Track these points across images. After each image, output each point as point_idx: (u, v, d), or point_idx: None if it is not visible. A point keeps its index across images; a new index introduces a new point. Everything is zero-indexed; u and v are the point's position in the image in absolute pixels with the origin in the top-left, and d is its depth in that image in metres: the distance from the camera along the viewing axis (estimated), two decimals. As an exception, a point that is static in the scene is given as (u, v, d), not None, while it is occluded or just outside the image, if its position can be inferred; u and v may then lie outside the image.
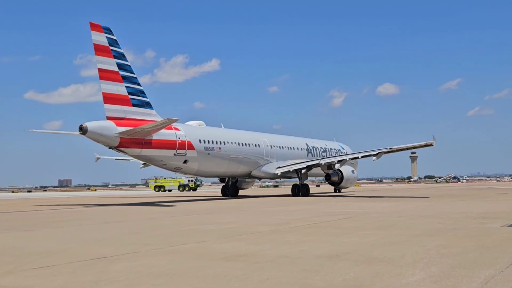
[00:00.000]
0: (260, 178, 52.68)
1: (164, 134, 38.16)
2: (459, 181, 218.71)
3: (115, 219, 20.48)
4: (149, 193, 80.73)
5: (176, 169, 41.79)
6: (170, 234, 13.85)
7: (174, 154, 39.22)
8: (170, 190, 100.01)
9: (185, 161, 40.46)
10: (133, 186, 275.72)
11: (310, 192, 50.42)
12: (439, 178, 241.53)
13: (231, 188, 51.86)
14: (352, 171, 52.22)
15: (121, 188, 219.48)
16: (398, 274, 7.26)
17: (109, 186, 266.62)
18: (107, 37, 36.24)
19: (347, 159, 48.42)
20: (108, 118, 35.60)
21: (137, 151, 36.98)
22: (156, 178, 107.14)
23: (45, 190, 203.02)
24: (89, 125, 34.17)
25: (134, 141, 36.17)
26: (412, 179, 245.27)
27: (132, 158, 41.78)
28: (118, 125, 35.25)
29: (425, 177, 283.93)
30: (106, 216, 22.66)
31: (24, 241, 12.95)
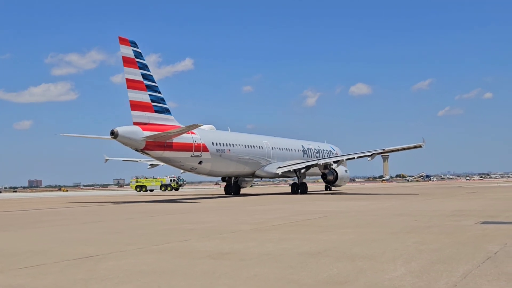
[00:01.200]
0: (262, 178, 56.07)
1: (182, 138, 42.24)
2: (430, 180, 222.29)
3: (93, 219, 20.43)
4: (130, 193, 79.83)
5: (192, 169, 45.73)
6: (151, 233, 13.95)
7: (191, 156, 43.32)
8: (151, 190, 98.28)
9: (200, 162, 44.56)
10: (105, 186, 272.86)
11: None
12: (410, 177, 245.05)
13: (234, 187, 54.92)
14: (346, 171, 56.11)
15: (93, 189, 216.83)
16: (380, 270, 7.53)
17: (81, 187, 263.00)
18: (133, 50, 40.58)
19: (344, 160, 53.10)
20: (135, 123, 39.67)
21: (159, 153, 40.97)
22: (137, 178, 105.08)
23: (15, 191, 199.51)
24: (120, 130, 38.19)
25: (157, 144, 40.24)
26: (384, 178, 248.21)
27: (155, 159, 44.93)
28: (144, 129, 39.39)
29: (397, 176, 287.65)
30: (83, 217, 22.57)
31: (5, 241, 12.91)
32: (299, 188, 51.87)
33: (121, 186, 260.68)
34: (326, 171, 53.96)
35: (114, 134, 38.19)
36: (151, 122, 40.62)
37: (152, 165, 57.93)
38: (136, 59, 40.63)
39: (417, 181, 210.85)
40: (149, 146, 39.67)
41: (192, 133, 43.38)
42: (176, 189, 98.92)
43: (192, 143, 43.26)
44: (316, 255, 9.09)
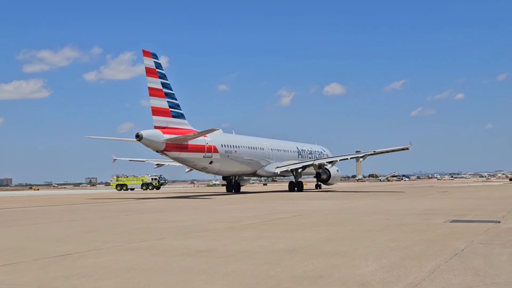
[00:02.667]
0: (262, 176, 61.34)
1: (196, 140, 47.00)
2: (402, 179, 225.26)
3: (67, 218, 20.38)
4: (111, 192, 78.96)
5: (203, 169, 50.73)
6: (128, 232, 14.05)
7: (203, 156, 48.17)
8: (132, 189, 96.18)
9: (211, 162, 49.35)
10: (77, 185, 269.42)
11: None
12: (383, 176, 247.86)
13: (235, 185, 59.29)
14: (337, 170, 60.77)
15: (65, 187, 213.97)
16: (353, 266, 7.82)
17: (53, 185, 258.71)
18: (154, 61, 45.24)
19: (338, 160, 57.29)
20: (156, 127, 44.29)
21: (176, 154, 45.77)
22: (118, 176, 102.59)
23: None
24: (144, 133, 42.87)
25: (176, 146, 45.06)
26: (357, 178, 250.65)
27: (172, 159, 48.93)
28: (164, 133, 44.17)
29: (369, 175, 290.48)
30: (57, 215, 22.49)
31: (-20, 240, 12.86)
32: (296, 186, 56.38)
33: (93, 185, 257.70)
34: (320, 170, 58.63)
35: (139, 137, 42.74)
36: (169, 126, 45.29)
37: (158, 165, 62.63)
38: (157, 70, 45.35)
39: (388, 180, 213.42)
40: (168, 148, 44.45)
41: (204, 136, 47.64)
42: (158, 188, 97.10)
43: (205, 145, 48.00)
44: (291, 252, 9.35)
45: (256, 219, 17.59)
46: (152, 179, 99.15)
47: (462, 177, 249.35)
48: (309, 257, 8.70)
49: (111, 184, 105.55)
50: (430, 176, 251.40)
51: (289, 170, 57.27)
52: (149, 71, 44.78)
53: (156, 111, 44.69)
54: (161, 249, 10.07)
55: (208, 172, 53.09)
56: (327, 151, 73.38)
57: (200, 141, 47.49)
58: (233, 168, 53.41)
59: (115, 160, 64.66)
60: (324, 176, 58.82)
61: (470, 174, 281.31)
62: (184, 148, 45.89)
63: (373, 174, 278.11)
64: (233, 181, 59.19)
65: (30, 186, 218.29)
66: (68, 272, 7.65)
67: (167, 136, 44.05)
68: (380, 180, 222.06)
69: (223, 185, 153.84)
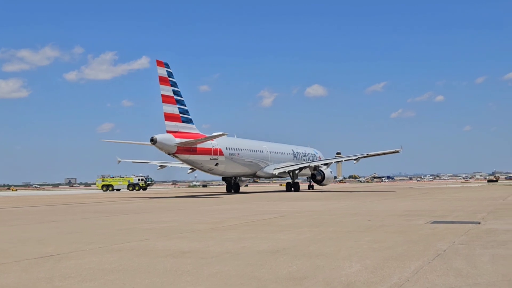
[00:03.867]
0: (261, 177, 64.89)
1: (204, 143, 50.75)
2: (383, 180, 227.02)
3: (48, 219, 20.16)
4: (96, 193, 78.13)
5: (209, 170, 54.33)
6: (110, 233, 13.95)
7: (210, 159, 52.02)
8: (118, 190, 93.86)
9: (217, 164, 53.08)
10: (55, 186, 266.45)
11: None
12: (363, 178, 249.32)
13: (234, 186, 62.51)
14: (331, 172, 64.98)
15: (44, 188, 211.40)
16: (337, 267, 7.85)
17: (35, 186, 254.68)
18: (166, 70, 49.21)
19: (333, 162, 63.33)
20: (168, 131, 48.07)
21: (186, 156, 49.48)
22: (103, 177, 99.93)
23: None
24: (158, 137, 46.53)
25: (186, 149, 48.69)
26: (338, 179, 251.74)
27: (181, 161, 52.39)
28: (175, 137, 47.92)
29: (349, 177, 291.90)
30: (38, 216, 22.23)
31: (-41, 241, 12.65)
32: (292, 187, 60.88)
33: (72, 186, 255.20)
34: (315, 172, 62.49)
35: (153, 141, 46.32)
36: (179, 131, 49.19)
37: (161, 166, 66.53)
38: (169, 78, 49.33)
39: (368, 181, 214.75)
40: (179, 151, 48.07)
41: (211, 139, 51.00)
42: (144, 189, 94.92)
43: (211, 148, 51.86)
44: (275, 253, 9.36)
45: (239, 220, 17.58)
46: (138, 179, 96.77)
47: (441, 179, 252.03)
48: (293, 258, 8.72)
49: (96, 185, 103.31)
50: (410, 177, 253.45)
51: (286, 171, 61.32)
52: (162, 80, 48.69)
53: (168, 117, 48.54)
54: (145, 250, 10.01)
55: (213, 173, 56.50)
56: (319, 154, 77.12)
57: (207, 144, 51.22)
58: (236, 169, 57.28)
59: (119, 161, 67.67)
60: (319, 177, 62.42)
61: (449, 176, 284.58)
62: (193, 151, 49.56)
63: (353, 175, 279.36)
64: (232, 182, 62.21)
65: (8, 187, 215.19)
66: (51, 273, 7.57)
67: (179, 140, 47.79)
68: (361, 181, 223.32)
69: (203, 185, 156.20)
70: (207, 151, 51.38)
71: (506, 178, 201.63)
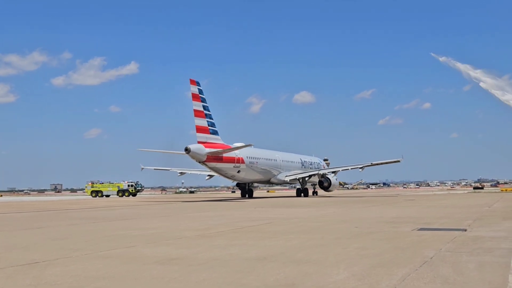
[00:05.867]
0: (275, 184, 71.89)
1: (229, 153, 57.07)
2: (369, 187, 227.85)
3: (34, 225, 19.97)
4: (85, 199, 77.44)
5: (232, 177, 61.24)
6: (97, 239, 13.85)
7: (233, 166, 58.53)
8: (108, 196, 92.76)
9: (238, 171, 59.61)
10: (41, 191, 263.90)
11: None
12: (350, 184, 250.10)
13: (248, 191, 68.87)
14: (336, 179, 71.42)
15: (29, 194, 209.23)
16: (325, 274, 7.86)
17: (26, 191, 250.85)
18: (198, 88, 56.87)
19: (340, 170, 69.75)
20: (199, 142, 54.99)
21: (214, 164, 56.16)
22: (92, 183, 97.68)
23: None
24: (192, 147, 53.56)
25: (214, 158, 55.53)
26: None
27: (209, 169, 58.67)
28: (205, 147, 54.76)
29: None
30: (24, 223, 22.03)
31: None
32: (302, 192, 67.50)
33: (58, 192, 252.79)
34: (323, 179, 68.81)
35: (187, 150, 53.39)
36: (208, 141, 55.92)
37: (182, 173, 73.43)
38: (200, 95, 56.79)
39: (354, 188, 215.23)
40: (208, 159, 54.91)
41: (237, 149, 58.09)
42: (134, 195, 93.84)
43: (235, 157, 58.34)
44: (262, 260, 9.35)
45: (226, 226, 17.54)
46: (128, 185, 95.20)
47: (427, 186, 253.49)
48: (280, 265, 8.71)
49: (85, 191, 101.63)
50: (397, 184, 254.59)
51: (297, 178, 67.99)
52: (194, 96, 56.25)
53: (199, 129, 55.68)
54: (132, 257, 9.95)
55: (235, 179, 63.42)
56: (323, 162, 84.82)
57: (232, 153, 57.68)
58: (254, 176, 63.88)
59: (142, 168, 74.46)
60: (325, 184, 68.83)
61: (435, 183, 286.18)
62: (220, 159, 56.28)
63: (340, 182, 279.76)
64: (246, 188, 68.51)
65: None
66: (37, 281, 7.49)
67: (208, 150, 54.74)
68: (348, 188, 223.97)
69: (191, 192, 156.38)
70: (231, 160, 57.76)
71: (491, 186, 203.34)
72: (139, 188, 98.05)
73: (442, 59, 73.79)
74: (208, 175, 68.69)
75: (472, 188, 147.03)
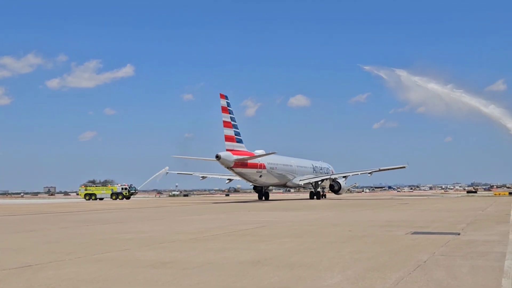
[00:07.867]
0: (290, 188, 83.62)
1: (252, 159, 64.21)
2: (362, 191, 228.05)
3: (26, 228, 19.89)
4: (78, 202, 77.04)
5: (254, 181, 68.57)
6: (90, 242, 13.78)
7: (256, 171, 65.87)
8: (101, 199, 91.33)
9: (260, 176, 66.81)
10: (35, 194, 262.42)
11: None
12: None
13: (265, 194, 74.98)
14: (345, 183, 79.21)
15: (22, 196, 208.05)
16: (318, 277, 7.86)
17: (22, 194, 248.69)
18: (226, 101, 64.75)
19: (350, 175, 76.44)
20: (227, 150, 62.08)
21: (240, 169, 63.69)
22: (86, 186, 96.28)
23: None
24: (222, 154, 60.54)
25: (240, 164, 62.99)
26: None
27: (235, 174, 66.37)
28: (233, 154, 61.82)
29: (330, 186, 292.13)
30: (16, 225, 21.93)
31: None
32: (315, 195, 73.21)
33: (52, 195, 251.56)
34: (333, 183, 75.67)
35: (218, 157, 60.29)
36: (235, 149, 63.12)
37: (203, 177, 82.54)
38: (228, 107, 64.47)
39: (349, 191, 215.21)
40: (235, 165, 62.17)
41: (261, 156, 65.13)
42: (128, 198, 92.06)
43: (258, 163, 65.49)
44: (256, 263, 9.34)
45: (220, 230, 17.51)
46: (122, 188, 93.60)
47: (421, 189, 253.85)
48: (274, 269, 8.70)
49: (79, 194, 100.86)
50: (389, 187, 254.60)
51: (310, 182, 74.26)
52: (224, 109, 63.68)
53: (227, 138, 63.02)
54: (125, 261, 9.91)
55: (257, 183, 70.38)
56: (331, 167, 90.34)
57: (255, 159, 64.57)
58: (273, 180, 70.89)
59: (167, 173, 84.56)
60: (336, 188, 75.79)
61: (428, 187, 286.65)
62: (245, 165, 63.87)
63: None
64: (263, 191, 74.30)
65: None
66: (30, 284, 7.46)
67: (236, 157, 61.77)
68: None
69: (184, 195, 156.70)
70: (254, 165, 65.10)
71: (485, 189, 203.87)
72: (133, 191, 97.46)
73: (367, 68, 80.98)
74: (228, 179, 79.09)
75: (465, 192, 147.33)
